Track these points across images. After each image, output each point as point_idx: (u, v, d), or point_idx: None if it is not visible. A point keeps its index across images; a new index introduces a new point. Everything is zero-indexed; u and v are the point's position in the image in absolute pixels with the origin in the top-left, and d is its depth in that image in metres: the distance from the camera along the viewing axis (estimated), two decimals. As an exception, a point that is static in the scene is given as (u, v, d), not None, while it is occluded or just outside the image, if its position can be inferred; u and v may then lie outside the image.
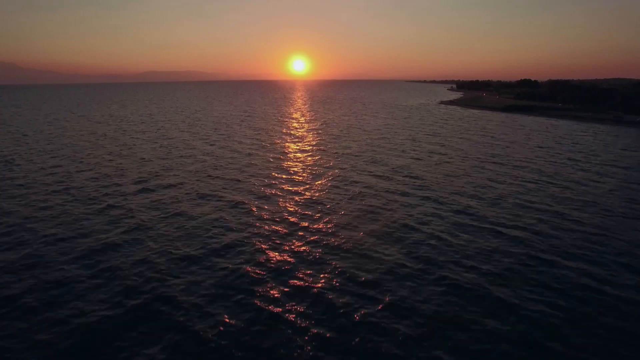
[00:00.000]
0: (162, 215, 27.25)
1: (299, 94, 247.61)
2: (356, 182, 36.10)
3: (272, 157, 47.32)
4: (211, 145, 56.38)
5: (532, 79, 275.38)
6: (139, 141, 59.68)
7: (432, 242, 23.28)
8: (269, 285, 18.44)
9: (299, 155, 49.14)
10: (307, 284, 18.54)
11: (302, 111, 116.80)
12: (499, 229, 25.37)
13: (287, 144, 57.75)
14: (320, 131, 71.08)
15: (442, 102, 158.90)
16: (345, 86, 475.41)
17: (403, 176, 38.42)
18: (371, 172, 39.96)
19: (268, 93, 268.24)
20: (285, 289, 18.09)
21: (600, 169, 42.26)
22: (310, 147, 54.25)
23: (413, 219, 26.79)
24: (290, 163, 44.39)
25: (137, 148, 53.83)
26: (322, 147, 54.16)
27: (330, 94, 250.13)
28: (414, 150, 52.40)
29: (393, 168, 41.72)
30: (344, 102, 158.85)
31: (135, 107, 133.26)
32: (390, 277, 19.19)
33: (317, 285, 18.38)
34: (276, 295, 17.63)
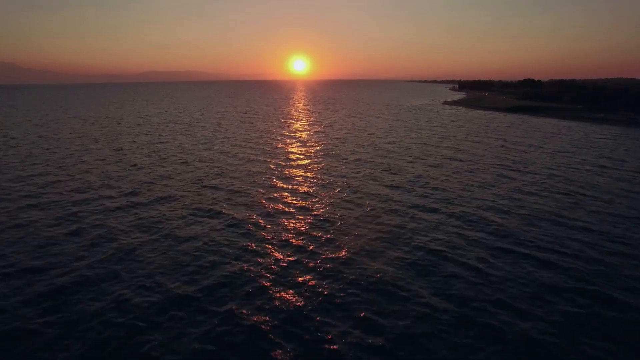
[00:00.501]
0: (146, 238, 23.46)
1: (300, 94, 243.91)
2: (368, 194, 32.25)
3: (274, 165, 43.51)
4: (208, 150, 52.59)
5: (535, 79, 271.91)
6: (133, 145, 55.88)
7: (466, 274, 19.47)
8: (268, 341, 14.63)
9: (303, 162, 45.28)
10: (317, 341, 14.68)
11: (305, 112, 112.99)
12: (540, 255, 21.57)
13: (290, 148, 53.93)
14: (324, 134, 67.23)
15: (445, 103, 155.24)
16: (346, 86, 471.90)
17: (420, 186, 34.57)
18: (384, 182, 36.11)
19: (269, 93, 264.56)
20: (290, 347, 14.29)
21: (633, 177, 38.45)
22: (315, 153, 50.39)
23: (439, 243, 22.98)
24: (294, 171, 40.55)
25: (129, 153, 50.04)
26: (328, 153, 50.30)
27: (332, 94, 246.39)
28: (427, 155, 48.55)
29: (408, 177, 37.87)
30: (346, 103, 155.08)
31: (133, 108, 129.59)
32: (422, 329, 15.34)
33: (328, 341, 14.57)
34: (278, 358, 13.83)
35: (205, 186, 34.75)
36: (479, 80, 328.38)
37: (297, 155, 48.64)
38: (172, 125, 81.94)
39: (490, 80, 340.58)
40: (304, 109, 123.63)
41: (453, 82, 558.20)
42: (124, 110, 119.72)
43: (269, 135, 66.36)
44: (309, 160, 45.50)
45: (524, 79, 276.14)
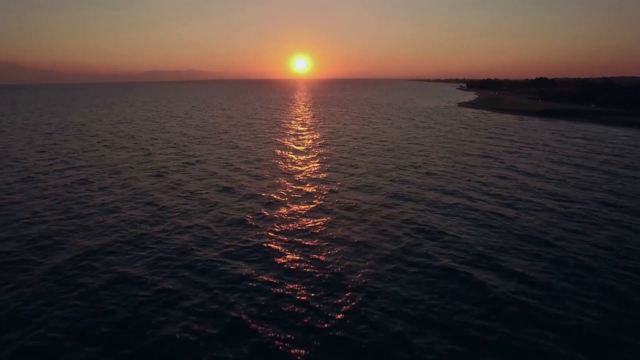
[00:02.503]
0: None
1: (304, 95, 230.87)
2: (440, 272, 18.89)
3: (292, 210, 30.23)
4: (198, 181, 39.07)
5: (549, 77, 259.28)
6: (89, 176, 42.06)
7: None
8: None
9: (326, 202, 31.80)
10: None
11: (317, 118, 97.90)
12: None
13: (299, 180, 40.36)
14: (346, 151, 52.80)
15: (461, 104, 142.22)
16: (349, 85, 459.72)
17: (516, 249, 21.04)
18: (443, 244, 22.62)
19: (272, 94, 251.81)
20: None
21: None
22: (339, 187, 36.58)
23: None
24: (306, 217, 27.11)
25: (77, 189, 36.30)
26: (369, 187, 36.08)
27: (337, 94, 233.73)
28: (482, 186, 35.00)
29: (472, 234, 24.37)
30: (356, 104, 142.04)
31: (121, 111, 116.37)
32: None
33: None
34: None
35: (181, 265, 21.54)
36: (488, 80, 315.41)
37: (310, 190, 35.04)
38: (157, 133, 69.07)
39: (497, 79, 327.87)
40: (314, 114, 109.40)
41: (457, 81, 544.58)
42: (110, 114, 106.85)
43: (280, 153, 51.59)
44: (331, 202, 31.89)
45: (536, 78, 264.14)
